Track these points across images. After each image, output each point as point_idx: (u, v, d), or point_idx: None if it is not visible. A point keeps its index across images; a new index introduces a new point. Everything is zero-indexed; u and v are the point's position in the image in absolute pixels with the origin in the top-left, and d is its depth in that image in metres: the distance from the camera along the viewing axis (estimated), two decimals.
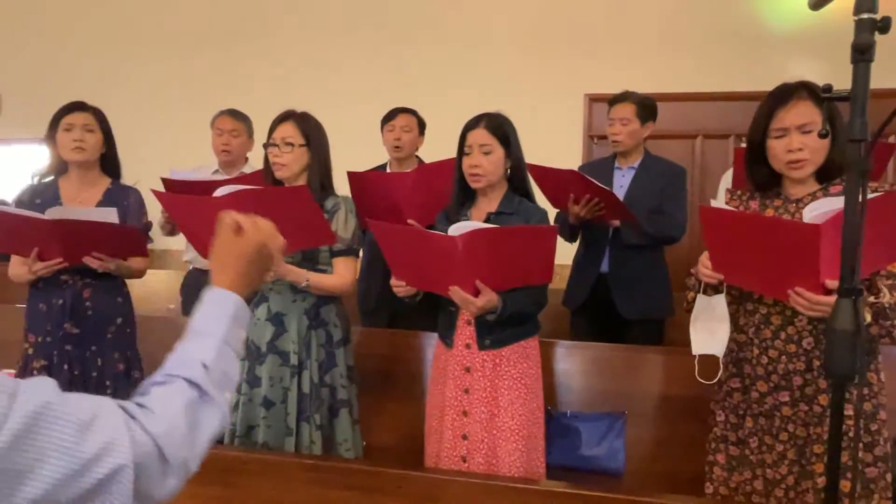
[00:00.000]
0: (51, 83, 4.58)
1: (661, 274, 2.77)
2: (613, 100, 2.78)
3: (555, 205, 2.61)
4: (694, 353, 1.70)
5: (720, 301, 1.65)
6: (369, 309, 3.01)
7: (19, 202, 2.27)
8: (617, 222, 2.63)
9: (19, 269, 2.18)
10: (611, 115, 2.76)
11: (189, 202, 1.97)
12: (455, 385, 1.95)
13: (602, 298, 2.70)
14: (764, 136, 1.64)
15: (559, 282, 2.97)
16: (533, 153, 2.38)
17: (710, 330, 1.66)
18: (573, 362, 2.54)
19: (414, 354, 2.63)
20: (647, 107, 2.73)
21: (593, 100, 4.31)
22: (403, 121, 3.01)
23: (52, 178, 2.32)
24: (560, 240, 2.68)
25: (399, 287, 1.89)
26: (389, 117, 3.03)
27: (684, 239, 2.79)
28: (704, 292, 1.68)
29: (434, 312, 2.13)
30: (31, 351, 2.25)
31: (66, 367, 2.21)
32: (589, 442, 2.37)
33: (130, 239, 2.23)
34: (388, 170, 3.11)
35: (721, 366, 1.71)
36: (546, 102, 4.26)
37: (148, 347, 2.36)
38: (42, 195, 2.26)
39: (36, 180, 2.34)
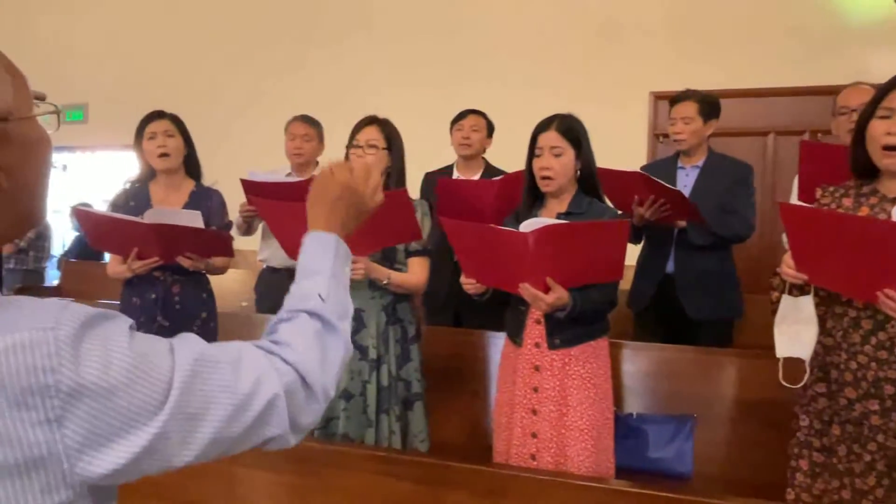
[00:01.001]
0: (132, 93, 4.84)
1: (730, 273, 2.71)
2: (675, 98, 2.74)
3: (617, 207, 2.59)
4: (778, 355, 1.64)
5: (807, 302, 1.59)
6: (435, 308, 3.07)
7: (115, 205, 2.44)
8: (683, 223, 2.59)
9: (118, 267, 2.35)
10: (672, 114, 2.72)
11: (285, 208, 2.05)
12: (524, 383, 1.97)
13: (668, 300, 2.67)
14: (870, 117, 1.52)
15: (624, 283, 2.95)
16: (596, 153, 2.37)
17: (795, 332, 1.60)
18: (640, 364, 2.51)
19: (479, 353, 2.66)
20: (709, 104, 2.68)
21: (658, 97, 4.24)
22: (473, 121, 3.07)
23: (143, 182, 2.49)
24: None
25: (469, 285, 1.92)
26: (459, 118, 3.10)
27: (755, 238, 2.72)
28: (790, 293, 1.62)
29: (499, 311, 2.16)
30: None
31: None
32: (656, 444, 2.34)
33: (218, 241, 2.37)
34: (455, 170, 3.16)
35: (807, 370, 1.64)
36: (610, 101, 4.21)
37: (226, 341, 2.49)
38: (135, 198, 2.42)
39: (129, 185, 2.51)
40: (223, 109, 5.07)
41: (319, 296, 0.81)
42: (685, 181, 2.71)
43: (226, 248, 2.41)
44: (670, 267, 2.69)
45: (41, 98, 0.74)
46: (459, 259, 1.93)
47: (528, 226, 1.72)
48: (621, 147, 3.87)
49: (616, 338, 2.57)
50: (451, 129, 3.12)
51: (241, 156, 4.01)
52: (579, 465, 1.88)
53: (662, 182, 2.44)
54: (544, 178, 1.95)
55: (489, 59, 4.54)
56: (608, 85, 4.29)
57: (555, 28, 4.45)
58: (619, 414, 2.40)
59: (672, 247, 2.67)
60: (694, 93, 2.70)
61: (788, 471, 1.72)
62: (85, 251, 4.98)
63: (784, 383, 1.67)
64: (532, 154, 1.99)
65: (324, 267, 0.86)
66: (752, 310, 2.73)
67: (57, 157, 5.28)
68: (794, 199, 1.63)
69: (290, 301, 0.82)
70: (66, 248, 5.85)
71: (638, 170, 2.54)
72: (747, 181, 2.68)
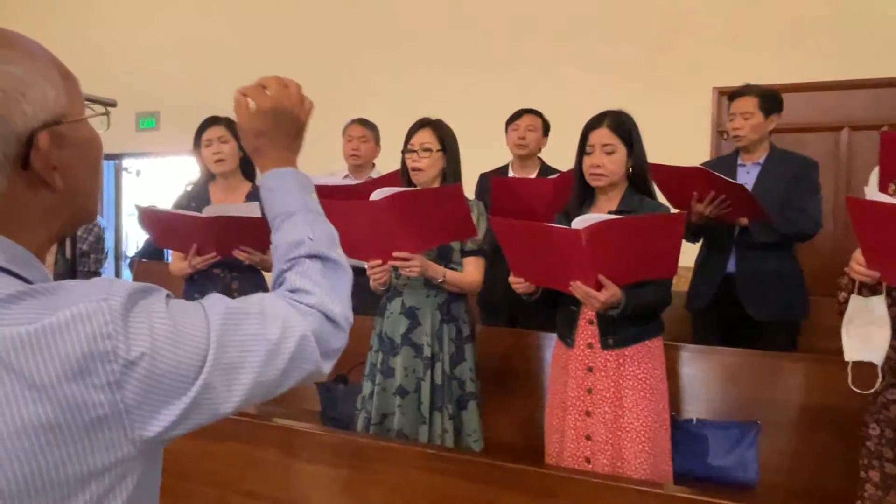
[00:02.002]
0: (200, 100, 5.05)
1: (794, 273, 2.60)
2: (734, 93, 2.65)
3: (675, 205, 2.52)
4: (847, 359, 1.56)
5: (879, 303, 1.51)
6: (491, 308, 3.06)
7: (177, 207, 2.56)
8: (745, 220, 2.49)
9: (179, 263, 2.47)
10: (732, 109, 2.64)
11: (346, 208, 2.08)
12: (577, 385, 1.94)
13: (729, 300, 2.57)
14: None
15: (681, 284, 2.86)
16: (658, 150, 2.31)
17: (865, 335, 1.52)
18: (699, 367, 2.43)
19: (533, 353, 2.64)
20: (770, 99, 2.57)
21: (722, 93, 4.10)
22: (528, 120, 3.06)
23: (203, 185, 2.61)
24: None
25: (518, 284, 1.91)
26: (514, 117, 3.09)
27: (825, 238, 2.60)
28: (860, 293, 1.54)
29: (555, 312, 2.14)
30: None
31: None
32: (717, 451, 2.26)
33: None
34: (510, 170, 3.16)
35: (879, 375, 1.55)
36: (671, 97, 4.10)
37: None
38: (196, 199, 2.55)
39: (190, 188, 2.65)
40: None
41: (308, 237, 0.83)
42: (745, 179, 2.62)
43: None
44: (731, 266, 2.60)
45: (112, 104, 0.78)
46: (508, 258, 1.92)
47: (580, 222, 1.69)
48: (683, 144, 3.76)
49: (674, 340, 2.51)
50: (507, 128, 3.11)
51: (302, 157, 4.12)
52: (636, 468, 1.84)
53: (723, 176, 2.36)
54: (595, 174, 1.92)
55: (546, 58, 4.50)
56: (670, 81, 4.18)
57: (614, 23, 4.37)
58: (678, 419, 2.33)
59: (733, 246, 2.58)
60: (754, 87, 2.61)
61: (858, 482, 1.64)
62: (156, 252, 5.23)
63: (854, 389, 1.58)
64: (582, 151, 1.96)
65: (294, 205, 0.86)
66: (820, 312, 2.61)
67: (131, 163, 5.60)
68: (873, 193, 1.53)
69: (281, 250, 0.84)
70: (139, 249, 6.15)
71: (698, 165, 2.47)
72: (812, 177, 2.57)
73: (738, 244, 2.57)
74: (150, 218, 2.45)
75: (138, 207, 2.44)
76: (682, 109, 4.12)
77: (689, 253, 2.75)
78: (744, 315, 2.56)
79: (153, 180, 6.39)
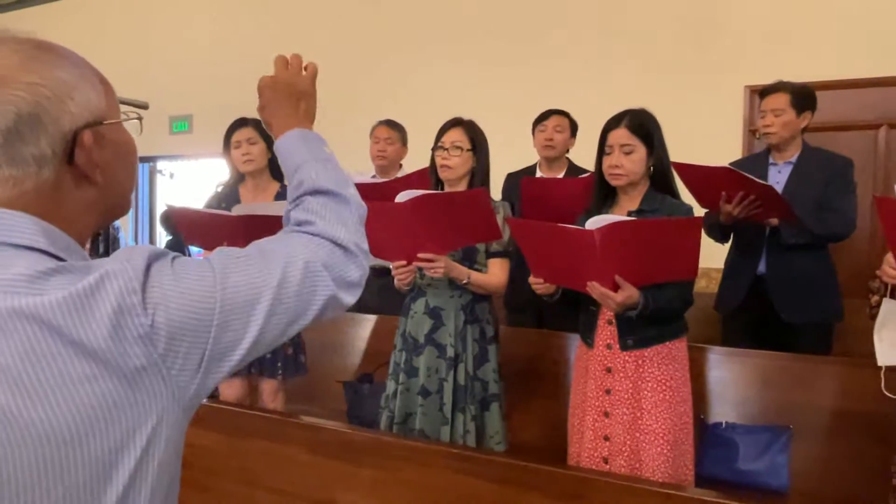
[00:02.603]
0: (232, 103, 5.15)
1: (828, 274, 2.53)
2: (765, 90, 2.59)
3: (703, 205, 2.48)
4: (879, 363, 1.53)
5: None
6: (518, 308, 3.05)
7: (208, 207, 2.62)
8: (775, 221, 2.44)
9: None
10: (762, 106, 2.57)
11: (373, 208, 2.11)
12: (596, 385, 1.93)
13: (759, 302, 2.52)
14: None
15: (712, 285, 2.82)
16: (687, 150, 2.28)
17: None
18: (729, 370, 2.39)
19: (559, 354, 2.62)
20: (803, 95, 2.51)
21: (755, 92, 4.01)
22: (556, 121, 3.04)
23: (233, 186, 2.66)
24: (710, 241, 2.55)
25: (537, 285, 1.91)
26: (542, 118, 3.07)
27: (862, 239, 2.53)
28: (892, 296, 1.52)
29: (578, 312, 2.12)
30: None
31: None
32: (747, 456, 2.22)
33: None
34: (538, 171, 3.14)
35: None
36: (702, 95, 4.04)
37: (309, 335, 2.60)
38: (226, 199, 2.60)
39: (220, 189, 2.70)
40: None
41: (312, 177, 0.86)
42: (777, 178, 2.56)
43: None
44: (762, 268, 2.55)
45: (144, 106, 0.82)
46: (526, 258, 1.92)
47: (594, 223, 1.68)
48: (714, 143, 3.71)
49: (703, 342, 2.47)
50: (534, 129, 3.10)
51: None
52: (654, 470, 1.82)
53: (751, 177, 2.31)
54: (614, 174, 1.91)
55: (574, 57, 4.46)
56: (701, 79, 4.11)
57: (644, 21, 4.31)
58: (706, 422, 2.30)
59: (764, 246, 2.53)
60: (786, 84, 2.54)
61: (891, 489, 1.59)
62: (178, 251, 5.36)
63: (887, 394, 1.54)
64: (602, 151, 1.94)
65: (303, 157, 0.89)
66: (855, 315, 2.54)
67: (165, 166, 5.73)
68: None
69: (290, 193, 0.89)
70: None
71: (726, 165, 2.43)
72: (846, 176, 2.50)
73: (769, 244, 2.52)
74: (180, 217, 2.51)
75: (169, 206, 2.49)
76: (713, 108, 4.05)
77: (718, 254, 2.71)
78: (775, 318, 2.50)
79: (186, 182, 6.51)
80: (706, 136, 3.76)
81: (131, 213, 6.27)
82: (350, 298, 0.80)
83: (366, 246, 0.83)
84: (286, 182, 0.91)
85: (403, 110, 3.58)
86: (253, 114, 2.68)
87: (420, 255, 2.02)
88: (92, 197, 0.71)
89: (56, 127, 0.66)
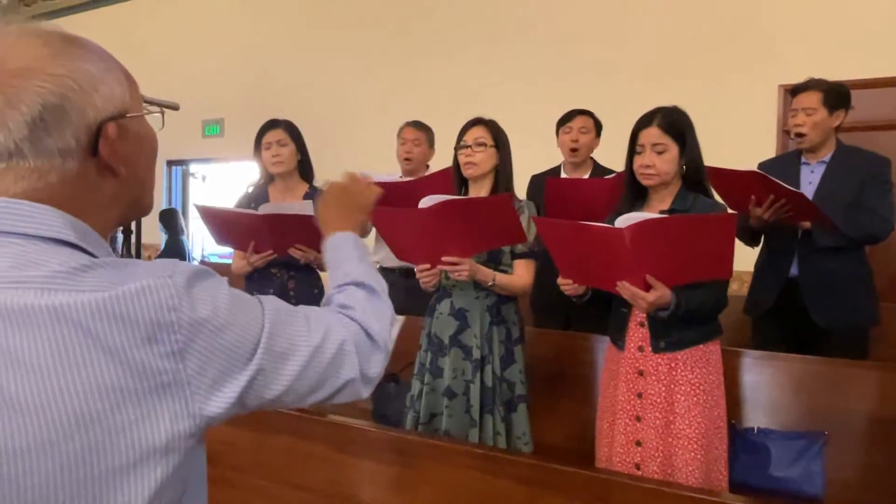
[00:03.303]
0: (262, 107, 5.23)
1: (863, 277, 2.46)
2: (796, 88, 2.52)
3: (734, 208, 2.41)
4: None
5: None
6: (544, 310, 3.03)
7: (238, 206, 2.66)
8: (807, 224, 2.38)
9: (239, 262, 2.57)
10: (794, 104, 2.50)
11: (394, 214, 2.11)
12: (627, 389, 1.89)
13: (791, 305, 2.46)
14: None
15: (744, 288, 2.75)
16: (720, 151, 2.24)
17: None
18: (762, 374, 2.34)
19: (586, 357, 2.59)
20: (836, 93, 2.43)
21: (788, 91, 3.93)
22: (581, 122, 3.01)
23: (262, 186, 2.70)
24: (740, 243, 2.49)
25: (566, 285, 1.88)
26: (566, 119, 3.04)
27: None
28: None
29: (608, 315, 2.09)
30: None
31: None
32: (780, 462, 2.17)
33: None
34: (562, 172, 3.12)
35: None
36: (734, 95, 3.96)
37: None
38: (255, 200, 2.63)
39: (250, 189, 2.74)
40: (342, 117, 5.33)
41: (357, 271, 0.94)
42: (810, 178, 2.49)
43: None
44: (794, 270, 2.48)
45: (175, 108, 0.84)
46: (555, 259, 1.89)
47: (624, 221, 1.65)
48: (747, 144, 3.63)
49: (733, 346, 2.42)
50: (558, 130, 3.07)
51: (359, 160, 4.20)
52: (688, 476, 1.78)
53: (782, 183, 2.25)
54: (645, 174, 1.88)
55: (602, 56, 4.43)
56: (733, 78, 4.03)
57: (674, 19, 4.25)
58: (738, 427, 2.25)
59: (796, 249, 2.46)
60: (818, 81, 2.47)
61: None
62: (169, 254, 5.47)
63: None
64: (633, 151, 1.91)
65: (350, 256, 0.98)
66: (893, 319, 2.46)
67: (197, 169, 5.84)
68: None
69: (336, 280, 0.95)
70: (203, 252, 6.39)
71: (755, 168, 2.37)
72: (883, 176, 2.41)
73: (801, 246, 2.45)
74: (208, 216, 2.55)
75: (197, 206, 2.54)
76: (746, 108, 3.98)
77: (750, 257, 2.65)
78: (808, 321, 2.44)
79: (218, 185, 6.62)
80: (739, 137, 3.69)
81: None
82: (365, 391, 0.83)
83: (391, 345, 0.88)
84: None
85: (431, 111, 3.59)
86: (281, 116, 2.73)
87: (444, 259, 2.02)
88: (115, 189, 0.72)
89: (81, 118, 0.66)
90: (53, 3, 7.38)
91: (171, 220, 5.58)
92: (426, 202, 1.97)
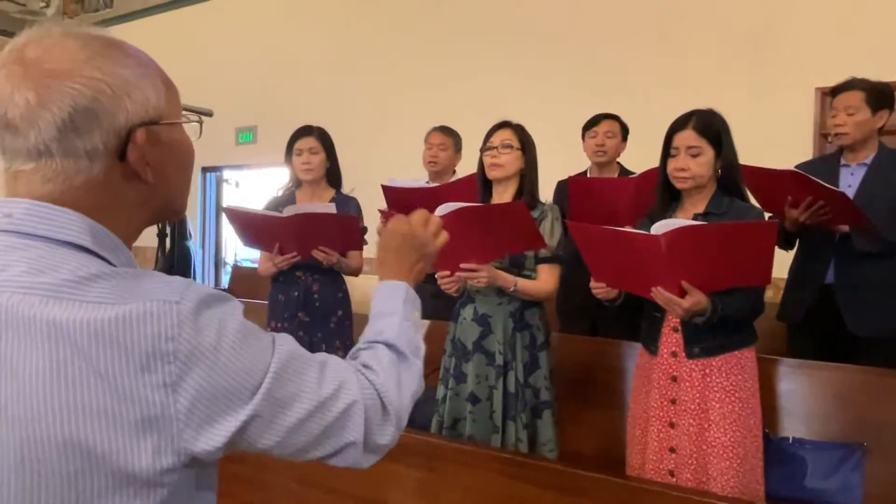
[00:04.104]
0: (294, 115, 5.30)
1: None
2: (837, 88, 2.44)
3: (767, 209, 2.35)
4: None
5: None
6: (571, 315, 3.00)
7: (266, 209, 2.69)
8: (845, 227, 2.30)
9: (265, 263, 2.63)
10: (834, 104, 2.43)
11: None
12: (660, 395, 1.86)
13: (827, 313, 2.38)
14: None
15: (779, 295, 2.68)
16: (755, 155, 2.19)
17: None
18: (798, 383, 2.27)
19: (614, 362, 2.56)
20: (879, 93, 2.36)
21: (825, 93, 3.84)
22: (607, 126, 2.98)
23: (290, 190, 2.75)
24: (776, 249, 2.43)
25: (599, 289, 1.87)
26: (592, 123, 3.02)
27: None
28: None
29: (637, 320, 2.07)
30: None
31: None
32: (816, 473, 2.10)
33: (348, 230, 2.52)
34: (589, 177, 3.09)
35: None
36: (770, 98, 3.88)
37: None
38: (283, 204, 2.67)
39: (279, 193, 2.80)
40: (371, 123, 5.37)
41: (393, 333, 0.87)
42: (850, 181, 2.42)
43: (355, 240, 2.57)
44: (830, 277, 2.41)
45: (209, 114, 0.84)
46: (588, 263, 1.87)
47: (660, 227, 1.63)
48: (782, 147, 3.55)
49: (767, 353, 2.36)
50: (584, 134, 3.04)
51: (387, 165, 4.24)
52: (723, 485, 1.74)
53: (820, 181, 2.19)
54: (679, 177, 1.85)
55: (630, 59, 4.38)
56: (768, 80, 3.95)
57: (708, 20, 4.19)
58: (772, 437, 2.19)
59: (832, 254, 2.39)
60: (860, 80, 2.40)
61: None
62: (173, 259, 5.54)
63: None
64: (667, 154, 1.89)
65: (395, 310, 0.90)
66: None
67: (231, 175, 5.93)
68: None
69: (365, 336, 0.88)
70: (236, 256, 6.50)
71: (792, 168, 2.31)
72: None
73: (837, 252, 2.37)
74: (234, 217, 2.60)
75: (224, 208, 2.60)
76: (782, 111, 3.89)
77: (781, 259, 2.57)
78: (843, 330, 2.36)
79: (251, 191, 6.73)
80: (775, 141, 3.61)
81: (198, 220, 6.53)
82: (366, 460, 0.77)
83: (404, 422, 0.82)
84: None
85: (458, 116, 3.59)
86: (313, 123, 2.75)
87: (463, 266, 2.02)
88: (142, 195, 0.71)
89: (111, 122, 0.66)
90: (95, 14, 7.62)
91: (177, 225, 5.69)
92: (442, 210, 1.98)
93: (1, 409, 0.59)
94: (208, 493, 0.71)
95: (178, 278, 0.66)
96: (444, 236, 1.03)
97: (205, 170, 6.70)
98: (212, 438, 0.63)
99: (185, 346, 0.61)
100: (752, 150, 2.16)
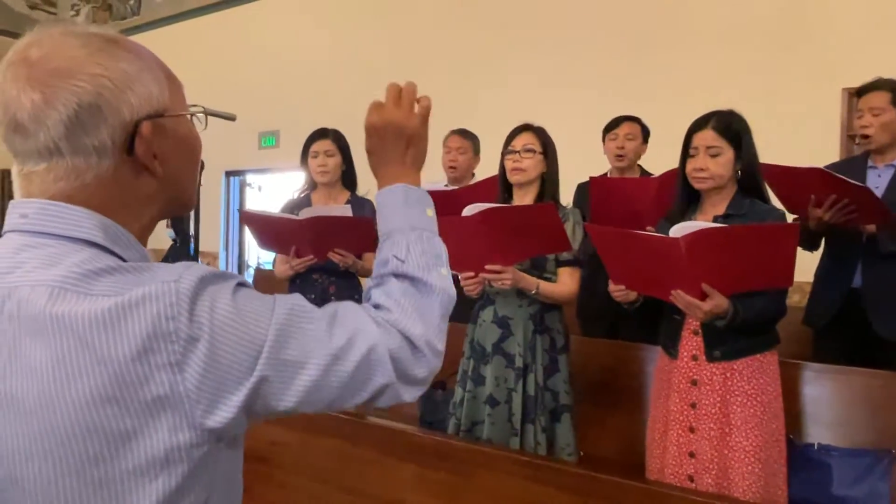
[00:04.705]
0: (315, 119, 5.35)
1: None
2: (862, 88, 2.41)
3: (791, 209, 2.32)
4: None
5: None
6: (591, 319, 2.98)
7: (282, 212, 2.73)
8: (872, 227, 2.26)
9: (282, 266, 2.64)
10: (859, 105, 2.40)
11: (440, 221, 2.13)
12: (680, 399, 1.85)
13: (854, 317, 2.34)
14: None
15: (802, 299, 2.63)
16: (780, 157, 2.16)
17: None
18: (824, 388, 2.24)
19: (634, 366, 2.54)
20: None
21: (853, 94, 3.77)
22: (627, 129, 2.96)
23: (306, 193, 2.78)
24: (802, 251, 2.39)
25: (618, 292, 1.86)
26: (612, 126, 3.00)
27: None
28: None
29: (656, 324, 2.05)
30: None
31: None
32: (842, 481, 2.07)
33: (364, 232, 2.51)
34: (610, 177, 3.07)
35: None
36: (795, 99, 3.82)
37: None
38: (299, 206, 2.70)
39: (295, 195, 2.83)
40: None
41: (397, 258, 0.80)
42: (877, 182, 2.37)
43: (371, 241, 2.57)
44: (857, 280, 2.36)
45: (231, 118, 0.84)
46: (606, 265, 1.87)
47: (679, 230, 1.62)
48: (808, 149, 3.50)
49: (793, 358, 2.32)
50: (604, 137, 3.03)
51: None
52: (745, 490, 1.72)
53: (843, 177, 2.15)
54: (698, 177, 1.84)
55: (651, 59, 4.34)
56: (794, 82, 3.90)
57: (733, 20, 4.14)
58: (797, 443, 2.16)
59: (859, 257, 2.34)
60: (886, 81, 2.36)
61: None
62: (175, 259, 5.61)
63: None
64: (686, 154, 1.87)
65: (396, 223, 0.83)
66: None
67: (254, 179, 5.99)
68: None
69: (376, 268, 0.83)
70: (259, 259, 6.57)
71: (817, 166, 2.27)
72: None
73: (865, 254, 2.33)
74: (250, 221, 2.64)
75: (240, 211, 2.64)
76: (808, 113, 3.83)
77: (808, 263, 2.53)
78: (871, 334, 2.32)
79: (273, 194, 6.81)
80: (800, 143, 3.56)
81: (221, 223, 6.62)
82: (410, 395, 0.75)
83: (440, 345, 0.77)
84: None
85: (475, 118, 3.60)
86: (331, 126, 2.77)
87: (487, 267, 2.02)
88: (152, 188, 0.71)
89: (116, 117, 0.67)
90: (123, 22, 7.78)
91: (180, 225, 5.77)
92: (470, 210, 1.97)
93: (19, 401, 0.61)
94: (232, 472, 0.71)
95: (179, 263, 0.67)
96: (425, 103, 0.91)
97: (228, 174, 6.79)
98: (225, 410, 0.64)
99: (185, 323, 0.62)
100: (778, 152, 2.13)
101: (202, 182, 1.70)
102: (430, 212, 0.87)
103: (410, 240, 0.82)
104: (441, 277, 0.81)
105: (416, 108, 0.90)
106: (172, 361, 0.61)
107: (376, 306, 0.78)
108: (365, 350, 0.71)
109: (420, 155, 0.90)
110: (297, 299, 0.71)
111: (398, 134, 0.88)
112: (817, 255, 2.54)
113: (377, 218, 0.87)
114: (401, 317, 0.75)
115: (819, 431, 2.20)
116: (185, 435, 0.62)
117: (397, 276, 0.80)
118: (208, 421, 0.63)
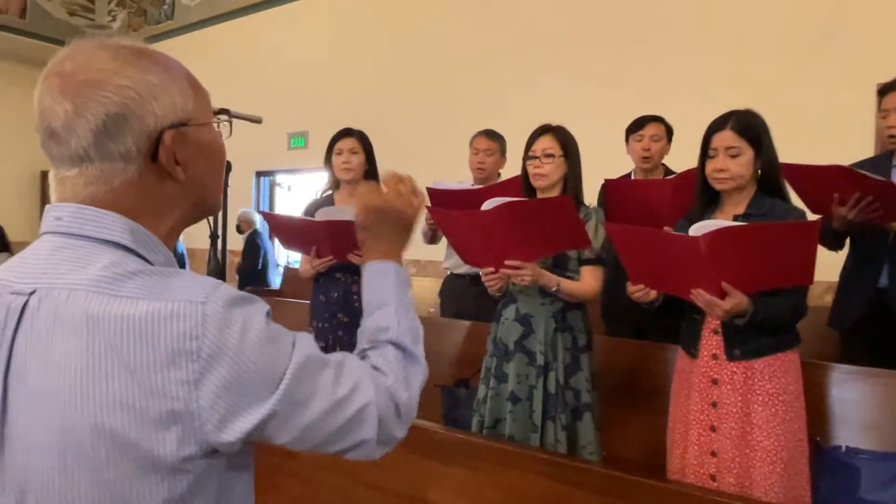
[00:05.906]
0: (344, 120, 5.42)
1: None
2: (886, 87, 2.35)
3: (814, 209, 2.27)
4: None
5: None
6: (615, 319, 2.98)
7: (306, 213, 2.77)
8: None
9: (305, 265, 2.70)
10: (883, 105, 2.34)
11: (458, 217, 2.16)
12: (701, 398, 1.84)
13: (881, 318, 2.28)
14: None
15: (825, 298, 2.58)
16: (813, 154, 2.13)
17: None
18: (852, 390, 2.20)
19: (660, 367, 2.52)
20: None
21: (879, 90, 3.68)
22: (653, 129, 2.94)
23: (330, 192, 2.82)
24: (829, 252, 2.35)
25: (638, 291, 1.86)
26: (637, 126, 2.98)
27: None
28: None
29: (680, 322, 2.05)
30: (313, 335, 2.72)
31: (338, 349, 2.63)
32: (871, 484, 2.03)
33: None
34: (624, 179, 3.05)
35: None
36: (826, 97, 3.76)
37: None
38: (322, 206, 2.74)
39: (318, 194, 2.87)
40: (417, 128, 5.45)
41: (392, 328, 0.88)
42: None
43: None
44: (884, 280, 2.31)
45: (258, 121, 0.89)
46: (626, 265, 1.87)
47: (699, 228, 1.62)
48: (842, 148, 3.42)
49: (819, 359, 2.29)
50: (628, 136, 3.01)
51: (434, 169, 4.29)
52: (767, 490, 1.71)
53: (867, 174, 2.10)
54: (718, 178, 1.83)
55: (679, 57, 4.30)
56: (828, 79, 3.82)
57: (766, 17, 4.08)
58: (823, 446, 2.13)
59: (886, 256, 2.29)
60: None
61: None
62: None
63: None
64: (705, 155, 1.87)
65: (388, 297, 0.91)
66: None
67: (283, 179, 6.11)
68: None
69: (367, 334, 0.89)
70: (288, 258, 6.67)
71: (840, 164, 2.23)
72: None
73: (891, 254, 2.28)
74: (272, 222, 2.68)
75: (262, 213, 2.69)
76: (842, 110, 3.75)
77: (832, 263, 2.48)
78: None
79: (302, 194, 6.91)
80: (833, 140, 3.50)
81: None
82: (379, 452, 0.81)
83: (414, 414, 0.84)
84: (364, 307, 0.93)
85: (502, 118, 3.61)
86: (361, 127, 2.82)
87: (507, 262, 2.03)
88: (175, 193, 0.75)
89: (141, 126, 0.71)
90: (157, 27, 7.97)
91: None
92: (488, 205, 1.99)
93: (48, 396, 0.65)
94: (242, 476, 0.75)
95: (208, 279, 0.70)
96: (421, 197, 1.01)
97: (258, 174, 6.92)
98: (232, 432, 0.67)
99: (209, 344, 0.65)
100: (811, 149, 2.11)
101: (230, 183, 1.76)
102: (410, 291, 0.95)
103: (401, 315, 0.90)
104: (422, 352, 0.90)
105: (414, 200, 1.00)
106: (190, 379, 0.65)
107: (374, 367, 0.83)
108: (361, 405, 0.76)
109: (408, 241, 1.00)
110: (312, 344, 0.76)
111: (398, 219, 0.98)
112: (840, 252, 2.49)
113: (364, 287, 0.94)
114: (394, 383, 0.82)
115: (847, 434, 2.17)
116: (191, 449, 0.66)
117: (393, 343, 0.87)
118: (215, 439, 0.67)
